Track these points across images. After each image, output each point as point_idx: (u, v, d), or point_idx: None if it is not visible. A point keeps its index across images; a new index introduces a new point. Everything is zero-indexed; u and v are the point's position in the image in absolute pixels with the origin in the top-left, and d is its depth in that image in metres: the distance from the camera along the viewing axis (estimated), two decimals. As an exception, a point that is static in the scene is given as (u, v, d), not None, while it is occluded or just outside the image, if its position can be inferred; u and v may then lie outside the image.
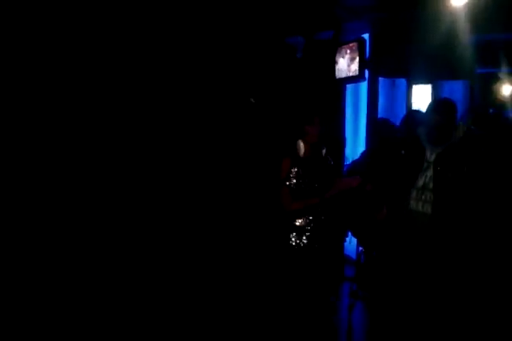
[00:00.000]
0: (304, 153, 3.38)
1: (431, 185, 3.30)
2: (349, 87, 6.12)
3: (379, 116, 5.61)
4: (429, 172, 3.33)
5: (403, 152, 3.48)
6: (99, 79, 4.77)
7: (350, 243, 4.75)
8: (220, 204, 4.88)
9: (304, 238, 3.35)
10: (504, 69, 6.04)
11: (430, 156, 3.36)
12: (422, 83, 5.91)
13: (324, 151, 3.45)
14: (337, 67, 5.94)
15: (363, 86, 5.80)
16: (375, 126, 5.04)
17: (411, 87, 5.53)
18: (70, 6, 4.60)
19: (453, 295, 3.24)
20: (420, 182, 3.34)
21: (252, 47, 5.74)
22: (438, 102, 3.53)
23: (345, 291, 4.52)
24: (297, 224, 3.37)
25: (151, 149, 4.94)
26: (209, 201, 4.90)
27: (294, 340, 3.36)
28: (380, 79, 5.72)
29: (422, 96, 5.96)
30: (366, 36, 5.70)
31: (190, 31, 5.20)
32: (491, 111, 5.46)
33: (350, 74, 5.74)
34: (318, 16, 5.95)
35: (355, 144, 5.89)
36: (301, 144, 3.36)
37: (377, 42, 5.62)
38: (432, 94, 5.97)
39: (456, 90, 6.19)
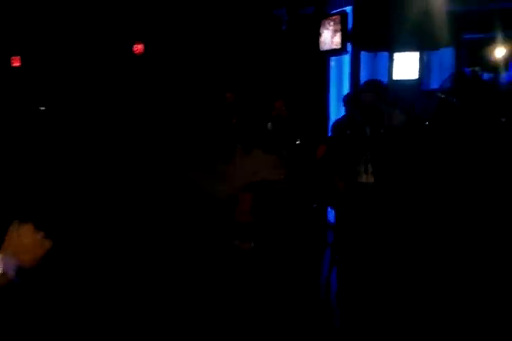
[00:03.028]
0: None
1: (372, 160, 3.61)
2: (333, 59, 6.24)
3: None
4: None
5: (348, 132, 3.72)
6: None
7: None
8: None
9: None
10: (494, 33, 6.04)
11: (368, 134, 3.63)
12: (407, 51, 5.93)
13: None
14: (321, 39, 6.05)
15: (346, 59, 5.93)
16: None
17: (392, 60, 5.62)
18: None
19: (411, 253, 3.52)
20: (364, 157, 3.64)
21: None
22: (367, 82, 3.80)
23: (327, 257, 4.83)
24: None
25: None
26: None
27: (275, 301, 3.70)
28: (363, 53, 5.82)
29: (407, 67, 6.02)
30: (349, 9, 5.79)
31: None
32: (468, 71, 5.44)
33: (334, 46, 5.86)
34: None
35: (339, 116, 6.04)
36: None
37: (359, 15, 5.70)
38: (420, 62, 6.02)
39: (446, 57, 6.24)
